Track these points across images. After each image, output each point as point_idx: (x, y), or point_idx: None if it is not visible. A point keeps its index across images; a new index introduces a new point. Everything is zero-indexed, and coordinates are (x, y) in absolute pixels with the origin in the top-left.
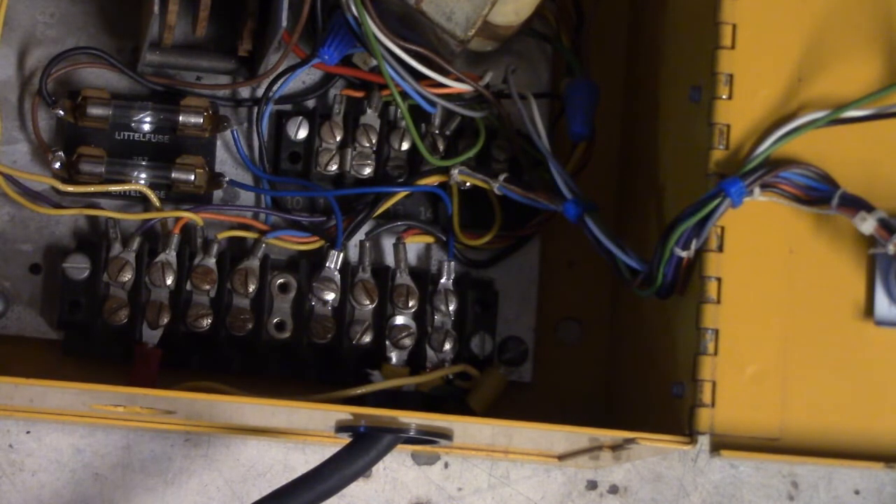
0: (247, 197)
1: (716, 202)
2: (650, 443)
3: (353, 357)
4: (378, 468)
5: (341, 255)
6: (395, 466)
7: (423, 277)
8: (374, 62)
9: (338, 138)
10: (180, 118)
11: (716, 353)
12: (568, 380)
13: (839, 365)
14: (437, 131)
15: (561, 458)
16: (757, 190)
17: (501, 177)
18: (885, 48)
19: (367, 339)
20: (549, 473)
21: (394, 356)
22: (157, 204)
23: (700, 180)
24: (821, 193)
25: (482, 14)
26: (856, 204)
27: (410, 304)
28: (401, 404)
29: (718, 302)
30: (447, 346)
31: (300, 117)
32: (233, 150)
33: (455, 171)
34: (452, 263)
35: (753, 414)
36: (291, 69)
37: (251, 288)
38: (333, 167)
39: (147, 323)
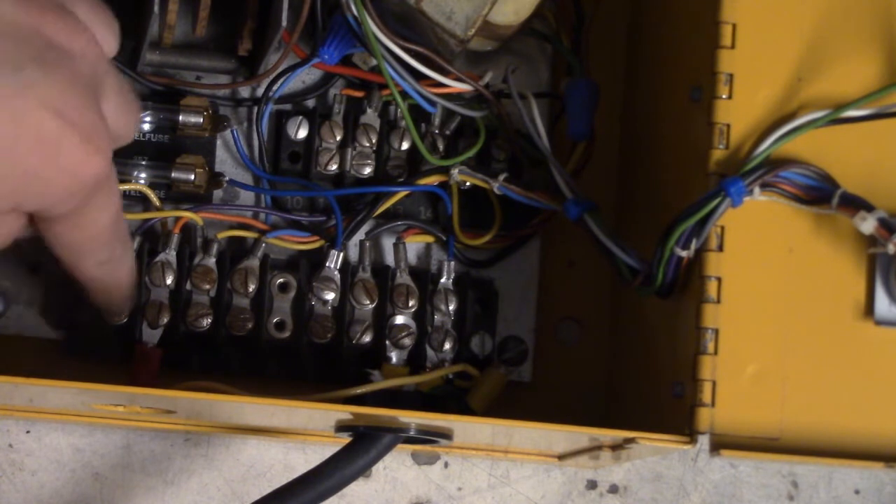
0: (247, 196)
1: (716, 202)
2: (650, 442)
3: (352, 357)
4: (378, 468)
5: (341, 254)
6: (395, 466)
7: (423, 277)
8: (374, 62)
9: (338, 138)
10: (180, 118)
11: (716, 353)
12: (568, 380)
13: (839, 364)
14: (436, 131)
15: (561, 457)
16: (757, 189)
17: (501, 176)
18: (885, 48)
19: (366, 338)
20: (549, 473)
21: (394, 356)
22: (157, 203)
23: (700, 180)
24: (821, 193)
25: (482, 14)
26: (856, 203)
27: (410, 303)
28: (400, 404)
29: (718, 302)
30: (447, 346)
31: (300, 117)
32: (233, 149)
33: (455, 171)
34: (452, 263)
35: (753, 413)
36: (291, 69)
37: (251, 288)
38: (333, 167)
39: (147, 323)
